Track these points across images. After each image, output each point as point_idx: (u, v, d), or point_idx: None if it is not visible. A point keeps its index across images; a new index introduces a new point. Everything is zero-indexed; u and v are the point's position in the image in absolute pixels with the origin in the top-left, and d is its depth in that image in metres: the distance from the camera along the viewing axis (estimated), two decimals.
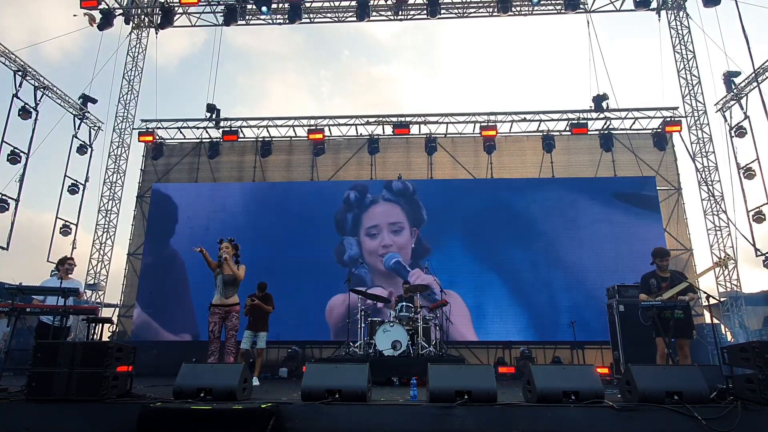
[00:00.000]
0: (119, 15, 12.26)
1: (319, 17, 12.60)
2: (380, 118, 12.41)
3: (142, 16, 13.09)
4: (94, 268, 11.84)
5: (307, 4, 12.22)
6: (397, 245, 11.04)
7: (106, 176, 12.40)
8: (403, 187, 11.48)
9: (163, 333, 10.82)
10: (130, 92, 12.91)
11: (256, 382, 6.92)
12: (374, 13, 12.29)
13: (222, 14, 12.23)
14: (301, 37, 27.68)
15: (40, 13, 24.88)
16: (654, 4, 11.76)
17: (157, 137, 12.78)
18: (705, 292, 5.82)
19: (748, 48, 7.69)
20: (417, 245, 11.08)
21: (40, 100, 10.63)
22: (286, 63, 28.82)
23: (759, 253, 9.84)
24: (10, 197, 9.80)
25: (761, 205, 9.93)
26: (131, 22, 12.90)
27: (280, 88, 29.03)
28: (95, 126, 12.23)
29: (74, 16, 11.25)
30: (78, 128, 11.66)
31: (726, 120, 10.77)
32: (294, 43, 28.70)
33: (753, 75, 9.64)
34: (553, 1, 12.10)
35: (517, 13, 12.17)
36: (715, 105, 11.10)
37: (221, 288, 5.95)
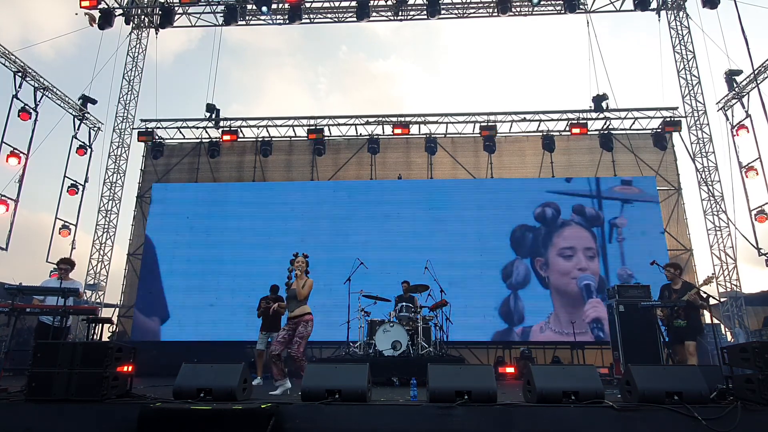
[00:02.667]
0: (119, 15, 12.25)
1: (319, 17, 12.60)
2: (380, 118, 12.42)
3: (142, 16, 13.09)
4: (94, 268, 11.83)
5: (307, 4, 12.22)
6: (591, 270, 10.69)
7: (106, 176, 12.41)
8: (595, 214, 11.08)
9: (163, 333, 10.82)
10: (130, 92, 12.91)
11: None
12: (374, 13, 12.28)
13: (222, 14, 12.23)
14: (298, 33, 27.52)
15: (32, 8, 24.81)
16: (654, 5, 11.76)
17: (157, 137, 12.77)
18: (705, 293, 5.86)
19: (747, 49, 7.69)
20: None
21: (39, 101, 10.62)
22: (283, 59, 28.74)
23: (761, 253, 9.79)
24: (9, 197, 9.80)
25: (763, 204, 9.90)
26: (131, 22, 12.90)
27: (277, 84, 28.95)
28: (95, 126, 12.21)
29: (75, 14, 11.26)
30: (78, 129, 11.65)
31: (728, 119, 10.73)
32: (291, 38, 28.64)
33: (753, 76, 9.62)
34: (553, 2, 12.10)
35: (517, 13, 12.18)
36: (717, 104, 11.06)
37: (287, 303, 5.55)
